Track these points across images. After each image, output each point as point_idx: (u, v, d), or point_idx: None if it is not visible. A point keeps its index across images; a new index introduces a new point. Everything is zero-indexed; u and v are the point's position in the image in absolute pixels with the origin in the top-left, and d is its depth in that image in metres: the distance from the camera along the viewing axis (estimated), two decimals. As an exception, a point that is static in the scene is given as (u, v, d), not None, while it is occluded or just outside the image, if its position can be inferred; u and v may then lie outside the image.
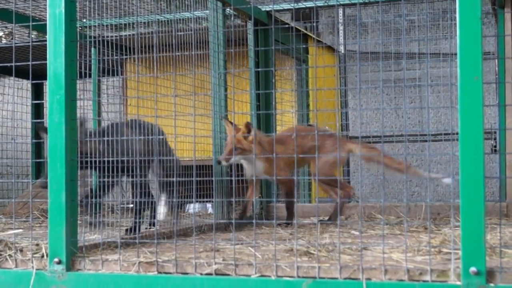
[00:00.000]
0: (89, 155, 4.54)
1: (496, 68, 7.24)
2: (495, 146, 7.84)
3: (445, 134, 7.80)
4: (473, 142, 3.03)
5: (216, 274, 3.41)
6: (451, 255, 3.32)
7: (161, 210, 5.33)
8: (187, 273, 3.47)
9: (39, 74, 8.34)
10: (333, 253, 3.68)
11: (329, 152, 5.58)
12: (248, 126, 5.52)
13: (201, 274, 3.44)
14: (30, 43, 4.23)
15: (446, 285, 3.11)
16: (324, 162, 5.59)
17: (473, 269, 3.03)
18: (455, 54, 3.14)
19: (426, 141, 8.77)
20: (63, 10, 3.70)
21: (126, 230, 4.80)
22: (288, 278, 3.30)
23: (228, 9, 5.98)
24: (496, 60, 7.38)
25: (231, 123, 5.60)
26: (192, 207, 6.70)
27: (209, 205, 6.75)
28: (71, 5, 3.76)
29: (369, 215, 5.96)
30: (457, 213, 3.25)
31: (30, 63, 3.92)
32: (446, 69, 8.26)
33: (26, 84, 9.38)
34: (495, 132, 7.88)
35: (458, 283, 3.07)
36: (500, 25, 6.44)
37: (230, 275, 3.39)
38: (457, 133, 3.10)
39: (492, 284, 3.04)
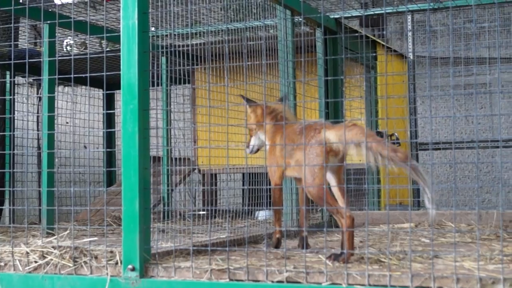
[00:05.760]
0: None
1: None
2: None
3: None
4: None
5: (287, 282, 3.42)
6: (524, 264, 3.29)
7: None
8: (258, 281, 3.49)
9: (109, 83, 8.52)
10: (404, 261, 3.67)
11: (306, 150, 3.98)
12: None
13: (272, 281, 3.45)
14: (104, 55, 4.28)
15: (520, 294, 3.07)
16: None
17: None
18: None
19: (497, 147, 8.68)
20: (136, 22, 3.76)
21: None
22: (359, 286, 3.29)
23: (296, 17, 6.00)
24: None
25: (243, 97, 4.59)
26: (262, 215, 6.74)
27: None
28: (144, 16, 3.81)
29: (439, 222, 5.90)
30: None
31: (104, 73, 3.99)
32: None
33: (98, 93, 9.57)
34: None
35: (532, 292, 3.04)
36: None
37: (301, 283, 3.40)
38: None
39: None
